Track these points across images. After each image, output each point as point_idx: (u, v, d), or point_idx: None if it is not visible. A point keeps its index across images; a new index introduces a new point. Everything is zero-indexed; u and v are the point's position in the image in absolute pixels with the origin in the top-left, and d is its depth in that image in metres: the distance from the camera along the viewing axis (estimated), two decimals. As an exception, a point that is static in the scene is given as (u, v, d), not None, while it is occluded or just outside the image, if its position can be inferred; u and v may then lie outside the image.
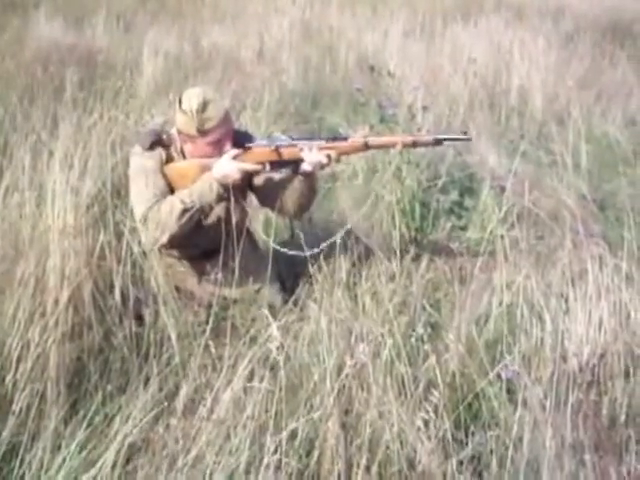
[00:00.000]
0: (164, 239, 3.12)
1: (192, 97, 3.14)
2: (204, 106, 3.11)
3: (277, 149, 3.20)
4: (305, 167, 3.22)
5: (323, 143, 3.22)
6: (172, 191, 3.21)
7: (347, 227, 3.36)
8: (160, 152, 3.24)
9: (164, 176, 3.22)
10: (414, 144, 3.30)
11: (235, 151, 3.17)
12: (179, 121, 3.19)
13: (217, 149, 3.20)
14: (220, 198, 3.18)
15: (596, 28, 9.32)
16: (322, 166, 3.22)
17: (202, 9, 10.36)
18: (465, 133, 3.33)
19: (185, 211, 3.10)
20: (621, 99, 6.59)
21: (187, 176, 3.20)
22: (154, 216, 3.10)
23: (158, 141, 3.25)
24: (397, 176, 4.43)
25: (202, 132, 3.14)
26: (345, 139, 3.27)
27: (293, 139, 3.26)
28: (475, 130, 5.60)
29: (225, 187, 3.15)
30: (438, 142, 3.28)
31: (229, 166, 3.14)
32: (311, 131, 6.17)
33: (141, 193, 3.18)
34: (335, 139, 3.26)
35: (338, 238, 3.21)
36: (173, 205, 3.11)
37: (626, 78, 7.33)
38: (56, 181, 3.25)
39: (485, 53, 7.39)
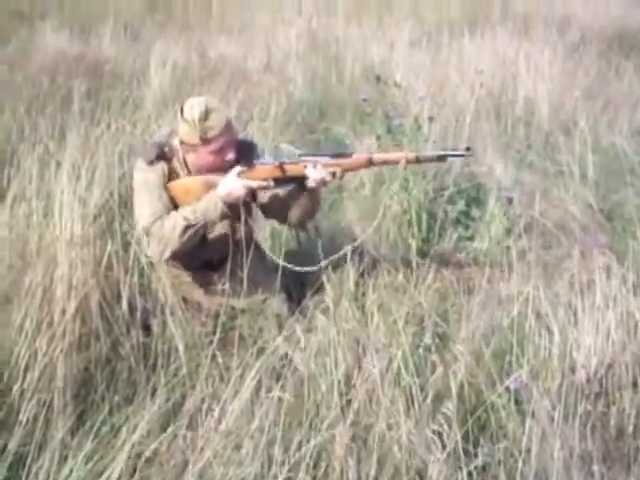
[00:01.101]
0: (167, 254, 3.14)
1: (194, 106, 3.14)
2: (206, 114, 3.11)
3: (281, 166, 3.21)
4: (309, 184, 3.23)
5: (327, 160, 3.23)
6: (175, 207, 3.21)
7: (355, 244, 3.37)
8: (162, 166, 3.25)
9: (167, 191, 3.23)
10: (417, 160, 3.32)
11: (240, 168, 3.17)
12: (181, 131, 3.19)
13: (220, 158, 3.20)
14: (224, 216, 3.19)
15: (602, 39, 9.32)
16: (326, 183, 3.24)
17: (209, 20, 10.41)
18: (468, 149, 3.32)
19: (188, 228, 3.11)
20: (627, 109, 6.56)
21: (191, 192, 3.21)
22: (157, 232, 3.11)
23: (161, 155, 3.25)
24: (404, 187, 4.43)
25: (204, 141, 3.14)
26: (349, 155, 3.29)
27: (298, 155, 3.28)
28: (481, 141, 5.59)
29: (229, 205, 3.16)
30: (441, 158, 3.31)
31: (234, 184, 3.15)
32: (317, 142, 6.17)
33: (144, 208, 3.19)
34: (339, 156, 3.28)
35: (348, 252, 3.22)
36: (176, 222, 3.12)
37: (632, 88, 7.32)
38: (64, 191, 3.25)
39: (491, 64, 7.38)
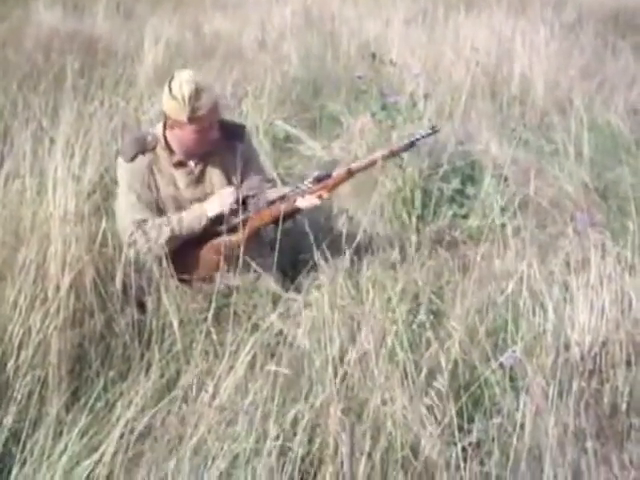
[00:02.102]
0: (148, 258, 3.21)
1: (183, 84, 3.13)
2: (196, 94, 3.11)
3: (276, 208, 3.34)
4: (304, 211, 3.43)
5: (311, 187, 3.37)
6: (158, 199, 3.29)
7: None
8: (142, 161, 3.28)
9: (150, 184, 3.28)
10: (392, 154, 3.49)
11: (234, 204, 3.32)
12: (168, 107, 3.19)
13: (204, 136, 3.23)
14: (205, 227, 3.32)
15: (598, 18, 9.29)
16: (316, 206, 3.40)
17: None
18: (433, 127, 3.50)
19: (173, 236, 3.24)
20: (623, 88, 6.55)
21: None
22: (141, 238, 3.20)
23: (141, 149, 3.28)
24: (398, 164, 4.42)
25: (192, 119, 3.15)
26: (329, 176, 3.40)
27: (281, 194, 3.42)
28: (477, 119, 5.58)
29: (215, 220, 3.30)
30: (412, 144, 3.48)
31: (224, 203, 3.32)
32: (312, 121, 6.16)
33: (129, 208, 3.26)
34: (320, 179, 3.39)
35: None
36: (162, 230, 3.22)
37: (628, 68, 7.30)
38: (57, 168, 3.24)
39: (487, 42, 7.35)
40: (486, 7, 8.96)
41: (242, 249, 3.10)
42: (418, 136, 3.46)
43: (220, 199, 3.29)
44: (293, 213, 3.40)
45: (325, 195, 3.36)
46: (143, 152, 3.27)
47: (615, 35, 8.44)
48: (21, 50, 6.85)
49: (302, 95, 6.65)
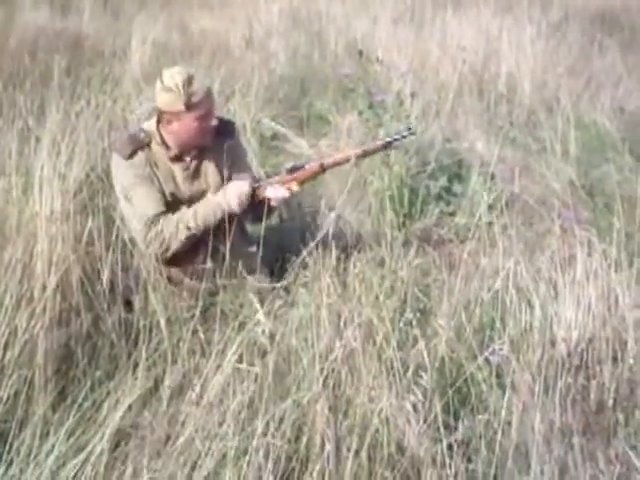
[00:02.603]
0: (167, 255, 3.21)
1: (175, 74, 3.13)
2: (189, 80, 3.12)
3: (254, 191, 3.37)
4: (273, 203, 3.40)
5: (283, 176, 3.42)
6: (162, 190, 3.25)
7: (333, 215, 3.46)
8: (141, 157, 3.24)
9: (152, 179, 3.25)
10: (365, 153, 3.51)
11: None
12: (163, 100, 3.17)
13: (204, 123, 3.22)
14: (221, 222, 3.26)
15: (585, 16, 9.32)
16: (285, 199, 3.42)
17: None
18: (409, 129, 3.51)
19: (189, 233, 3.19)
20: (610, 86, 6.58)
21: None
22: (157, 236, 3.16)
23: (137, 146, 3.25)
24: (385, 162, 4.43)
25: (189, 106, 3.14)
26: (302, 167, 3.43)
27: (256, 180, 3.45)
28: (464, 117, 5.60)
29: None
30: (388, 144, 3.51)
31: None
32: (299, 119, 6.17)
33: (138, 209, 3.20)
34: (293, 170, 3.42)
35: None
36: (178, 228, 3.18)
37: (615, 66, 7.32)
38: (43, 167, 3.24)
39: (474, 40, 7.37)
40: (473, 5, 8.97)
41: (228, 247, 3.09)
42: (394, 137, 3.49)
43: (236, 189, 3.29)
44: (263, 202, 3.38)
45: (294, 188, 3.38)
46: (140, 148, 3.25)
47: (602, 33, 8.47)
48: (7, 49, 6.82)
49: (289, 93, 6.67)
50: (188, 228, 3.18)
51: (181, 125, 3.20)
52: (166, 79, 3.14)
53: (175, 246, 3.19)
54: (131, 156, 3.22)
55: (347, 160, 3.44)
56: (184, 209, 3.24)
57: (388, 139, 3.49)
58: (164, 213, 3.20)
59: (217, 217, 3.24)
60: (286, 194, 3.37)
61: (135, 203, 3.20)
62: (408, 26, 8.33)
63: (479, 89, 6.52)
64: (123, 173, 3.24)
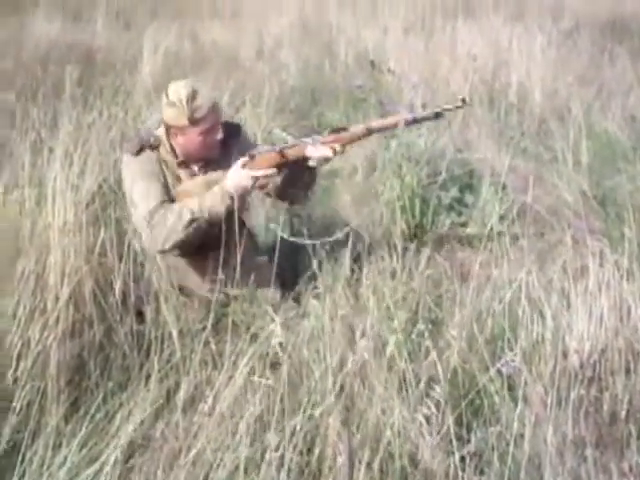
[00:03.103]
0: (168, 245, 3.12)
1: (180, 88, 3.14)
2: (193, 95, 3.11)
3: (282, 151, 3.19)
4: (311, 163, 3.21)
5: (326, 137, 3.20)
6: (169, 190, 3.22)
7: (347, 228, 3.37)
8: (150, 154, 3.24)
9: (159, 177, 3.23)
10: (415, 120, 3.27)
11: (242, 160, 3.17)
12: (168, 115, 3.18)
13: (209, 138, 3.21)
14: (229, 210, 3.15)
15: (595, 25, 9.31)
16: (327, 160, 3.21)
17: (201, 6, 10.35)
18: (464, 100, 3.21)
19: (193, 221, 3.10)
20: (621, 95, 6.57)
21: (194, 194, 3.20)
22: (160, 221, 3.10)
23: (146, 145, 3.25)
24: (397, 173, 4.43)
25: (193, 121, 3.14)
26: (346, 129, 3.24)
27: (294, 137, 3.27)
28: (475, 127, 5.59)
29: (236, 199, 3.14)
30: (438, 115, 3.25)
31: (239, 174, 3.14)
32: (311, 127, 6.17)
33: (143, 197, 3.16)
34: (337, 131, 3.23)
35: (340, 236, 3.23)
36: (182, 213, 3.10)
37: (625, 74, 7.31)
38: (56, 178, 3.25)
39: (484, 49, 7.38)
40: (483, 14, 9.00)
41: (239, 258, 3.08)
42: (446, 107, 3.26)
43: (233, 174, 3.17)
44: (301, 160, 3.22)
45: (338, 148, 3.16)
46: (149, 147, 3.25)
47: (612, 42, 8.46)
48: (20, 60, 6.86)
49: (300, 104, 6.68)
50: (192, 212, 3.10)
51: (186, 139, 3.20)
52: (171, 93, 3.15)
53: (178, 235, 3.10)
54: (139, 152, 3.22)
55: (395, 125, 3.24)
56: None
57: (438, 109, 3.25)
58: (167, 202, 3.17)
59: (224, 203, 3.15)
60: (328, 153, 3.16)
61: (139, 195, 3.18)
62: (418, 36, 8.34)
63: (490, 99, 6.52)
64: (129, 170, 3.25)
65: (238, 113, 5.80)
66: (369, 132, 3.25)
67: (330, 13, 9.39)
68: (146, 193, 3.17)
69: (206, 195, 3.16)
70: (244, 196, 3.23)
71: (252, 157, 3.18)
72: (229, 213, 3.20)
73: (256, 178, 3.16)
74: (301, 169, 3.27)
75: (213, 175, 3.22)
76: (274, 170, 3.19)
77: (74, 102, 5.17)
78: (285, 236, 3.34)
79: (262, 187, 3.36)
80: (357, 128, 3.24)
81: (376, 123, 3.29)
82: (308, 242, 3.26)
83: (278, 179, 3.34)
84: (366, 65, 6.05)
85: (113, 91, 5.66)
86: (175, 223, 3.09)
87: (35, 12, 8.87)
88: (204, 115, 3.14)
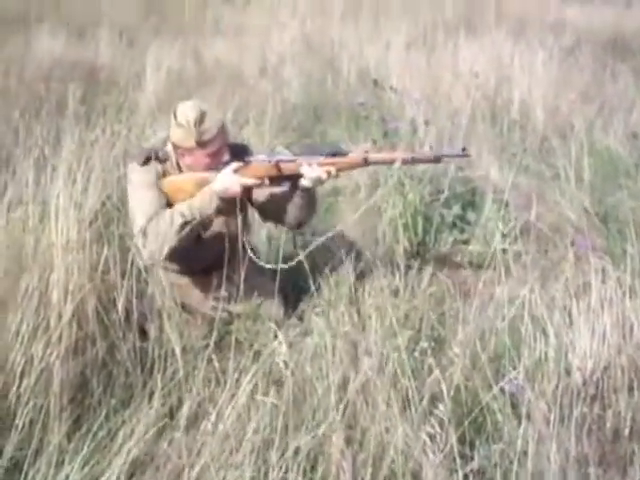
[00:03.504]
0: (164, 252, 3.11)
1: (188, 110, 3.14)
2: (201, 118, 3.11)
3: (277, 164, 3.20)
4: (304, 183, 3.22)
5: (322, 159, 3.21)
6: (170, 205, 3.21)
7: (338, 230, 3.36)
8: (156, 166, 3.25)
9: (160, 190, 3.23)
10: (413, 160, 3.32)
11: (236, 164, 3.17)
12: (175, 135, 3.18)
13: (216, 160, 3.20)
14: (219, 211, 3.18)
15: (596, 41, 9.36)
16: (321, 182, 3.22)
17: (204, 24, 10.39)
18: (464, 150, 3.30)
19: (185, 224, 3.10)
20: (622, 112, 6.58)
21: (184, 190, 3.20)
22: (153, 229, 3.09)
23: (153, 157, 3.25)
24: (399, 190, 4.44)
25: (201, 144, 3.14)
26: (345, 154, 3.26)
27: (294, 154, 3.27)
28: (477, 144, 5.60)
29: (225, 200, 3.15)
30: (437, 159, 3.30)
31: (230, 179, 3.14)
32: (313, 144, 6.17)
33: (139, 207, 3.18)
34: (335, 154, 3.24)
35: (329, 236, 3.20)
36: (173, 218, 3.10)
37: (627, 91, 7.33)
38: (59, 195, 3.25)
39: (486, 66, 7.40)
40: (485, 31, 9.02)
41: (242, 276, 3.08)
42: (446, 153, 3.35)
43: (223, 177, 3.16)
44: (294, 177, 3.23)
45: (333, 172, 3.18)
46: (156, 159, 3.26)
47: (614, 58, 8.49)
48: (23, 78, 6.88)
49: (303, 121, 6.70)
50: (182, 215, 3.10)
51: (193, 160, 3.20)
52: (179, 115, 3.15)
53: (172, 240, 3.09)
54: (146, 162, 3.23)
55: (392, 161, 3.27)
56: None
57: (439, 154, 3.31)
58: (161, 209, 3.17)
59: (213, 205, 3.15)
60: (323, 176, 3.17)
61: (137, 203, 3.20)
62: (420, 52, 8.37)
63: (492, 115, 6.53)
64: (133, 177, 3.26)
65: (242, 131, 5.81)
66: (366, 163, 3.28)
67: (332, 29, 9.42)
68: (143, 202, 3.18)
69: (195, 197, 3.17)
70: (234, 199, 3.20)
71: (247, 163, 3.20)
72: (228, 228, 3.28)
73: (245, 185, 3.18)
74: (296, 188, 3.27)
75: (205, 174, 3.21)
76: (265, 180, 3.21)
77: (77, 120, 5.19)
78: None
79: (249, 195, 3.36)
80: (355, 157, 3.27)
81: (374, 156, 3.31)
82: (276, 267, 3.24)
83: (267, 192, 3.35)
84: (368, 82, 6.06)
85: (116, 109, 5.67)
86: (167, 229, 3.09)
87: (39, 30, 8.90)
88: (211, 138, 3.15)
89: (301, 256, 3.06)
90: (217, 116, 3.21)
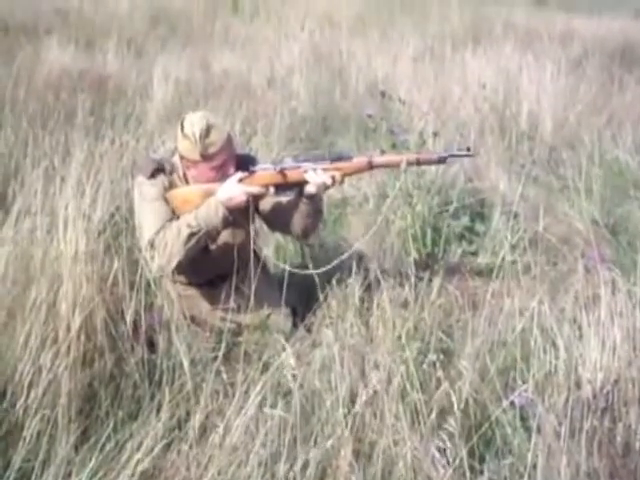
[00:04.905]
0: (172, 264, 3.10)
1: (194, 122, 3.13)
2: (207, 131, 3.10)
3: (282, 172, 3.20)
4: (309, 189, 3.22)
5: (327, 164, 3.22)
6: (177, 217, 3.21)
7: (356, 246, 3.36)
8: (162, 179, 3.25)
9: (168, 202, 3.23)
10: (418, 162, 3.32)
11: (240, 174, 3.17)
12: (182, 147, 3.18)
13: (221, 173, 3.20)
14: (226, 221, 3.16)
15: (604, 52, 9.35)
16: (327, 187, 3.23)
17: (212, 34, 10.42)
18: (468, 149, 3.31)
19: (192, 235, 3.09)
20: (631, 123, 6.57)
21: (190, 201, 3.20)
22: (161, 242, 3.09)
23: (160, 169, 3.25)
24: (408, 202, 4.44)
25: (205, 157, 3.14)
26: (350, 159, 3.26)
27: (298, 161, 3.27)
28: (486, 155, 5.60)
29: (231, 210, 3.15)
30: (442, 160, 3.31)
31: (235, 189, 3.14)
32: (319, 152, 6.18)
33: (147, 220, 3.18)
34: (339, 159, 3.25)
35: (345, 256, 3.22)
36: (180, 230, 3.10)
37: (635, 102, 7.33)
38: (68, 206, 3.25)
39: (494, 78, 7.40)
40: (493, 43, 9.03)
41: (253, 288, 3.07)
42: (451, 153, 3.31)
43: (227, 186, 3.16)
44: (299, 184, 3.23)
45: (338, 177, 3.19)
46: (162, 172, 3.26)
47: (621, 69, 8.49)
48: (32, 89, 6.90)
49: (311, 132, 6.69)
50: (189, 226, 3.09)
51: (198, 172, 3.20)
52: (186, 126, 3.15)
53: (180, 252, 3.08)
54: (153, 175, 3.23)
55: (397, 164, 3.27)
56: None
57: (444, 154, 3.30)
58: (169, 222, 3.16)
59: (219, 215, 3.13)
60: (328, 182, 3.18)
61: (145, 216, 3.20)
62: (428, 64, 8.38)
63: (500, 127, 6.52)
64: (141, 190, 3.25)
65: (250, 142, 5.82)
66: (371, 166, 3.29)
67: (340, 40, 9.43)
68: (151, 215, 3.18)
69: (201, 208, 3.16)
70: (239, 208, 3.20)
71: (251, 173, 3.20)
72: (235, 238, 3.30)
73: (250, 194, 3.17)
74: (301, 195, 3.27)
75: (211, 185, 3.21)
76: (270, 188, 3.21)
77: (86, 130, 5.20)
78: (293, 270, 3.33)
79: (256, 203, 3.33)
80: (360, 160, 3.27)
81: (379, 159, 3.32)
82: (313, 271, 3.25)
83: (273, 201, 3.35)
84: (377, 94, 6.06)
85: (125, 119, 5.69)
86: (175, 240, 3.08)
87: (48, 41, 8.92)
88: (216, 151, 3.14)
89: (335, 262, 3.08)
90: (224, 128, 3.21)
